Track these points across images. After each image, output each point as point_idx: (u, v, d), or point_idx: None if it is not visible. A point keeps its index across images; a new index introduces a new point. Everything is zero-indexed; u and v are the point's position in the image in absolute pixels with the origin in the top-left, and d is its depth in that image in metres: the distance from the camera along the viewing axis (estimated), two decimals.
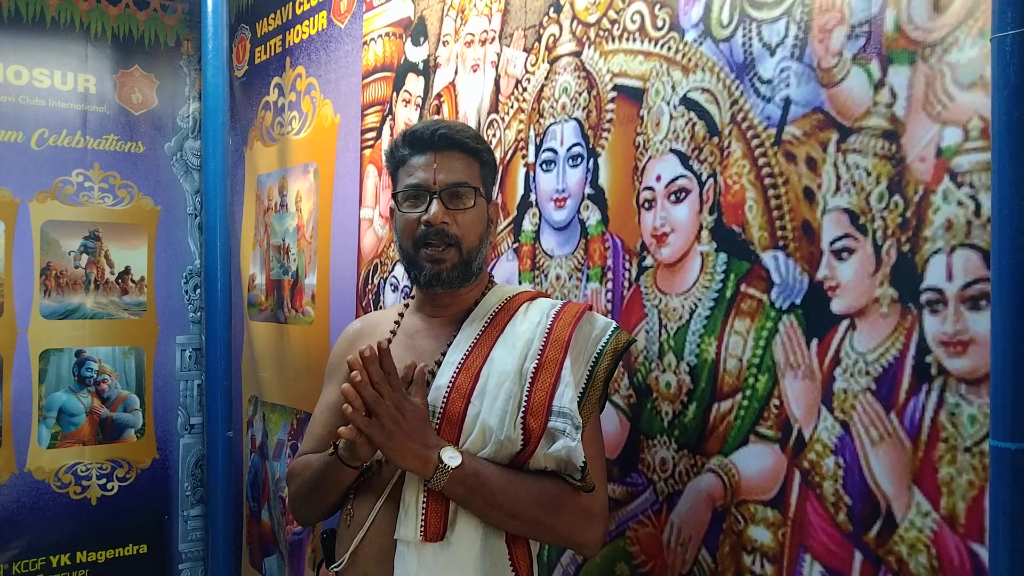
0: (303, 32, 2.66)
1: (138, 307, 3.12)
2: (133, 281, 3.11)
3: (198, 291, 3.21)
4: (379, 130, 2.26)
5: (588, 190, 1.58)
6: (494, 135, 1.82)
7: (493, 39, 1.84)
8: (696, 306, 1.37)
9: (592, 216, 1.57)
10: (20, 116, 2.90)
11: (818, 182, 1.18)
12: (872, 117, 1.12)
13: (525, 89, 1.74)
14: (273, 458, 2.83)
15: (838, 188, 1.16)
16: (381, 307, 2.22)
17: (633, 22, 1.49)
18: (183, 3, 3.18)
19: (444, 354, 1.33)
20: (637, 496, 1.48)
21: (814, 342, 1.19)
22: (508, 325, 1.33)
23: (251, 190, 3.01)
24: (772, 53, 1.25)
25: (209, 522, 3.01)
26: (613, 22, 1.53)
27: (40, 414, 2.95)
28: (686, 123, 1.39)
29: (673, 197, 1.41)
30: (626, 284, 1.50)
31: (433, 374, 1.31)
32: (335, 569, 1.31)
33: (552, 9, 1.67)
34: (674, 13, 1.41)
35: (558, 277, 1.65)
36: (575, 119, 1.61)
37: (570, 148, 1.62)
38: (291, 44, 2.73)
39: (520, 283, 1.74)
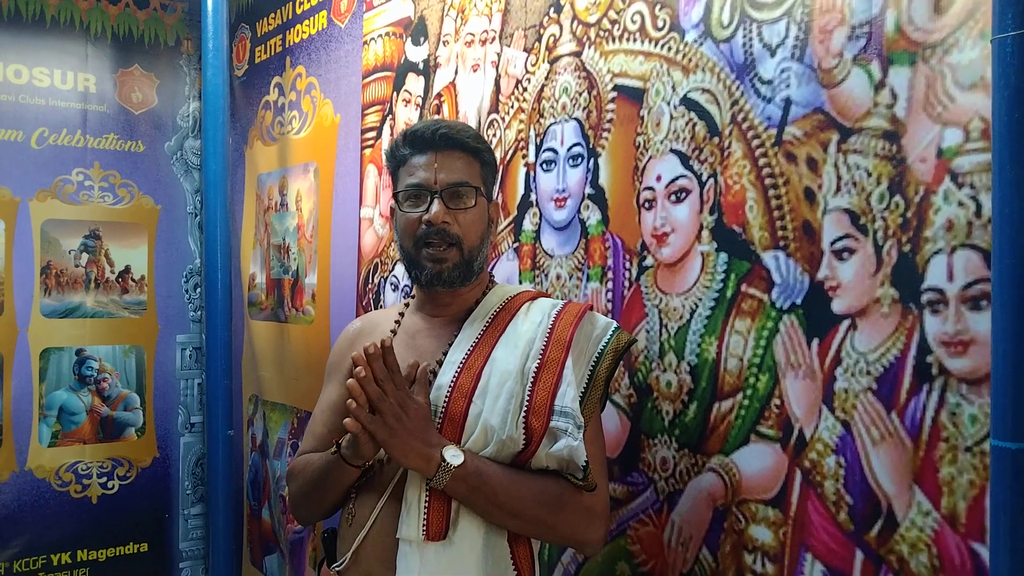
0: (303, 32, 2.66)
1: (138, 306, 3.12)
2: (133, 280, 3.11)
3: (198, 290, 3.21)
4: (379, 130, 2.26)
5: (588, 190, 1.58)
6: (494, 135, 1.82)
7: (493, 39, 1.84)
8: (697, 306, 1.37)
9: (592, 216, 1.57)
10: (20, 115, 2.90)
11: (819, 182, 1.19)
12: (873, 118, 1.12)
13: (525, 89, 1.74)
14: (274, 457, 2.83)
15: (839, 188, 1.16)
16: (381, 306, 2.22)
17: (633, 22, 1.49)
18: (183, 2, 3.18)
19: (445, 353, 1.33)
20: (638, 495, 1.48)
21: (815, 342, 1.19)
22: (510, 325, 1.34)
23: (251, 189, 3.01)
24: (772, 54, 1.25)
25: (210, 521, 3.01)
26: (613, 22, 1.53)
27: (40, 413, 2.95)
28: (686, 123, 1.39)
29: (673, 197, 1.41)
30: (626, 284, 1.50)
31: (435, 373, 1.32)
32: (337, 568, 1.31)
33: (552, 9, 1.68)
34: (674, 13, 1.41)
35: (558, 277, 1.65)
36: (575, 119, 1.61)
37: (570, 148, 1.63)
38: (291, 44, 2.73)
39: (520, 283, 1.74)
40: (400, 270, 2.16)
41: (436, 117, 2.01)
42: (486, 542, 1.24)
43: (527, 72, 1.74)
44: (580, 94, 1.60)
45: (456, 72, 1.96)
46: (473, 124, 1.86)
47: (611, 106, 1.53)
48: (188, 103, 3.21)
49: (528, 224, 1.73)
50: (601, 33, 1.56)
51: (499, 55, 1.83)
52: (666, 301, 1.42)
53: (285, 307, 2.76)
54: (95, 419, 3.05)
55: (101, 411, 3.06)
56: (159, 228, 3.16)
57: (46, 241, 2.96)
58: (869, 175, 1.12)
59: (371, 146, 2.30)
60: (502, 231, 1.79)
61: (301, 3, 2.68)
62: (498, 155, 1.78)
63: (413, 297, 1.48)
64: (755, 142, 1.28)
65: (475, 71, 1.90)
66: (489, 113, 1.85)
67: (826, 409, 1.17)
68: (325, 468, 1.32)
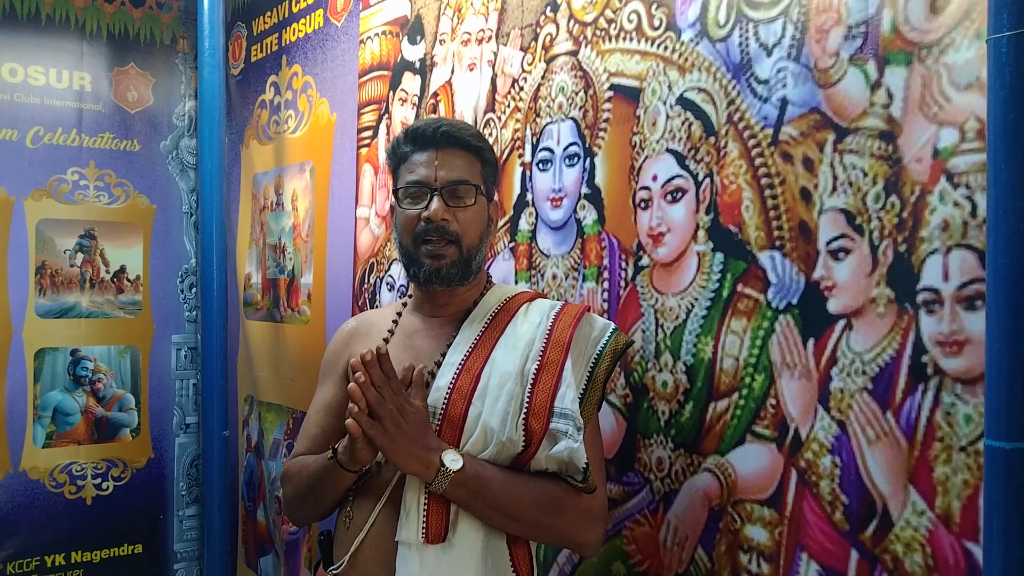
0: (299, 30, 2.66)
1: (133, 306, 3.12)
2: (128, 280, 3.10)
3: (194, 290, 3.20)
4: (375, 129, 2.25)
5: (584, 189, 1.58)
6: (490, 134, 1.82)
7: (490, 38, 1.84)
8: (693, 306, 1.37)
9: (588, 215, 1.57)
10: (15, 114, 2.89)
11: (815, 182, 1.19)
12: (869, 118, 1.12)
13: (522, 88, 1.74)
14: (269, 457, 2.82)
15: (835, 188, 1.16)
16: (377, 306, 2.22)
17: (630, 22, 1.49)
18: (179, 1, 3.17)
19: (444, 355, 1.33)
20: (634, 495, 1.48)
21: (810, 342, 1.19)
22: (508, 326, 1.33)
23: (247, 189, 3.00)
24: (769, 53, 1.25)
25: (204, 522, 3.01)
26: (610, 21, 1.53)
27: (35, 413, 2.94)
28: (683, 123, 1.39)
29: (669, 197, 1.41)
30: (622, 284, 1.50)
31: (433, 375, 1.31)
32: (334, 571, 1.30)
33: (549, 8, 1.67)
34: (671, 13, 1.41)
35: (554, 276, 1.65)
36: (571, 118, 1.61)
37: (566, 147, 1.63)
38: (287, 42, 2.72)
39: (516, 282, 1.74)
40: (396, 270, 2.16)
41: (436, 116, 2.01)
42: (485, 544, 1.24)
43: (523, 71, 1.74)
44: (576, 93, 1.60)
45: (452, 71, 1.96)
46: (469, 123, 1.86)
47: (607, 105, 1.53)
48: (184, 102, 3.20)
49: (524, 224, 1.73)
50: (597, 32, 1.56)
51: (495, 54, 1.82)
52: (662, 301, 1.42)
53: (281, 307, 2.75)
54: (90, 420, 3.04)
55: (96, 412, 3.05)
56: (154, 228, 3.15)
57: (41, 241, 2.95)
58: (865, 175, 1.12)
59: (367, 145, 2.29)
60: (498, 230, 1.79)
61: (297, 2, 2.67)
62: None
63: (411, 297, 1.47)
64: (751, 142, 1.28)
65: (471, 70, 1.90)
66: (485, 112, 1.84)
67: (822, 409, 1.17)
68: (321, 472, 1.31)
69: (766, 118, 1.26)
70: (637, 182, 1.47)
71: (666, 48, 1.42)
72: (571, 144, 1.61)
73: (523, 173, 1.73)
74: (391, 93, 2.18)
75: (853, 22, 1.14)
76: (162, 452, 3.17)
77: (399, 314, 1.46)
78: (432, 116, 1.99)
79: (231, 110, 3.02)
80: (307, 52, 2.61)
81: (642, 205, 1.46)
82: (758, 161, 1.27)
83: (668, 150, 1.41)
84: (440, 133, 1.34)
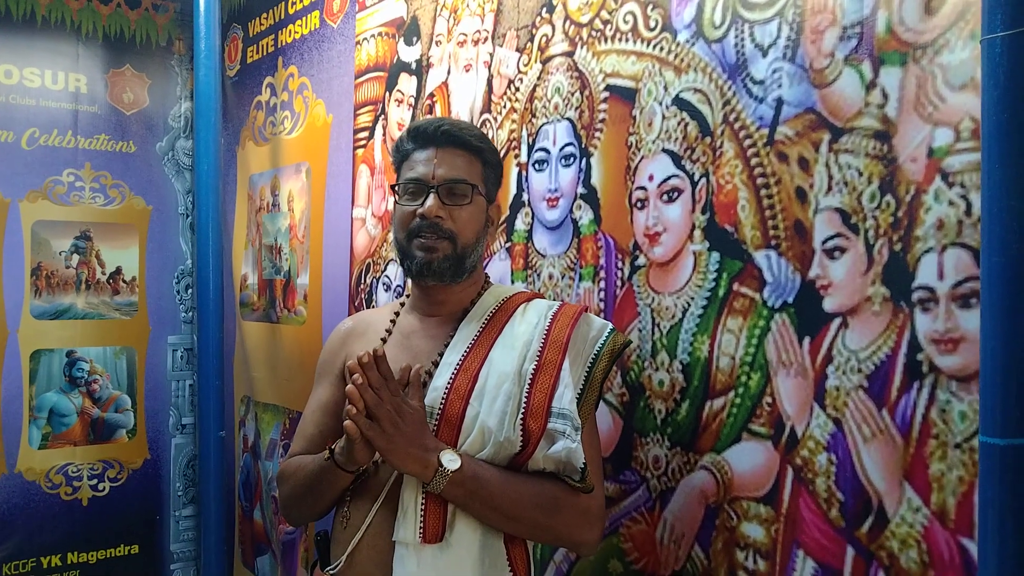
0: (295, 32, 2.66)
1: (129, 307, 3.11)
2: (124, 281, 3.10)
3: (190, 291, 3.20)
4: (372, 130, 2.26)
5: (581, 189, 1.59)
6: (486, 135, 1.82)
7: (486, 39, 1.85)
8: (689, 305, 1.38)
9: (585, 215, 1.58)
10: (10, 116, 2.88)
11: (810, 182, 1.19)
12: (864, 118, 1.13)
13: (518, 89, 1.75)
14: (265, 458, 2.82)
15: (830, 188, 1.17)
16: (374, 306, 2.22)
17: (626, 22, 1.50)
18: (175, 2, 3.17)
19: (441, 354, 1.33)
20: (630, 493, 1.49)
21: (806, 340, 1.20)
22: (506, 326, 1.34)
23: (243, 190, 3.00)
24: (764, 54, 1.26)
25: (201, 522, 3.00)
26: (606, 22, 1.54)
27: (31, 415, 2.93)
28: (678, 123, 1.39)
29: (666, 197, 1.42)
30: (619, 283, 1.51)
31: (430, 375, 1.31)
32: (331, 571, 1.30)
33: (545, 9, 1.68)
34: (666, 14, 1.42)
35: (551, 276, 1.65)
36: (568, 119, 1.62)
37: (563, 148, 1.63)
38: (283, 44, 2.73)
39: (512, 282, 1.74)
40: (392, 270, 2.17)
41: (436, 115, 2.01)
42: (483, 544, 1.24)
43: (519, 72, 1.75)
44: (572, 94, 1.61)
45: (449, 72, 1.97)
46: (473, 124, 1.86)
47: (603, 106, 1.54)
48: (180, 103, 3.20)
49: (520, 224, 1.73)
50: (593, 33, 1.56)
51: (491, 55, 1.83)
52: (658, 300, 1.43)
53: (277, 308, 2.75)
54: (86, 421, 3.03)
55: (92, 413, 3.04)
56: (150, 229, 3.14)
57: (36, 242, 2.94)
58: (860, 174, 1.13)
59: (363, 146, 2.30)
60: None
61: (293, 3, 2.67)
62: None
63: (408, 297, 1.48)
64: (747, 142, 1.28)
65: (468, 71, 1.90)
66: (481, 113, 1.85)
67: (817, 407, 1.18)
68: (318, 473, 1.31)
69: (762, 118, 1.26)
70: (633, 182, 1.48)
71: (662, 49, 1.43)
72: (567, 144, 1.62)
73: (519, 173, 1.73)
74: (387, 94, 2.19)
75: (848, 23, 1.15)
76: (158, 453, 3.16)
77: (396, 314, 1.46)
78: (433, 116, 1.99)
79: (227, 111, 3.02)
80: (303, 53, 2.61)
81: (638, 205, 1.47)
82: (754, 161, 1.27)
83: (664, 150, 1.42)
84: (441, 132, 1.35)
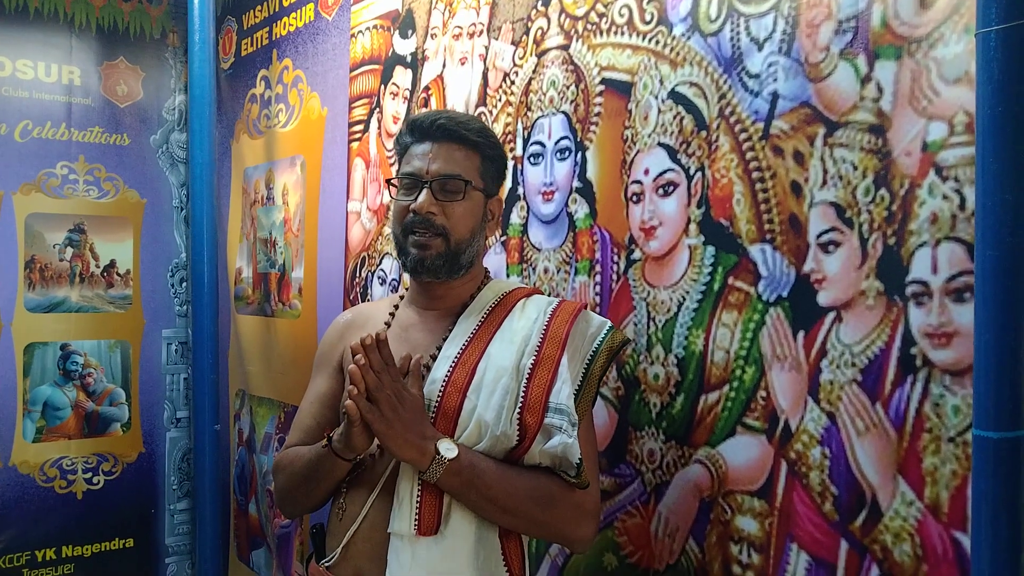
0: (290, 24, 2.65)
1: (124, 300, 3.11)
2: (118, 274, 3.09)
3: (184, 284, 3.20)
4: (367, 123, 2.25)
5: (576, 183, 1.58)
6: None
7: (481, 32, 1.84)
8: (684, 299, 1.38)
9: (580, 209, 1.58)
10: (3, 108, 2.87)
11: (805, 176, 1.20)
12: (859, 111, 1.13)
13: (513, 82, 1.75)
14: (260, 451, 2.82)
15: (825, 182, 1.17)
16: (369, 300, 2.22)
17: (621, 16, 1.49)
18: None
19: (439, 348, 1.33)
20: (625, 487, 1.49)
21: (800, 334, 1.20)
22: (505, 321, 1.33)
23: (237, 183, 3.00)
24: (760, 48, 1.26)
25: (196, 516, 3.00)
26: (601, 16, 1.53)
27: (25, 408, 2.93)
28: (674, 117, 1.39)
29: (661, 191, 1.42)
30: (614, 277, 1.51)
31: (428, 368, 1.31)
32: (326, 564, 1.30)
33: (540, 2, 1.68)
34: (662, 7, 1.42)
35: (546, 270, 1.65)
36: (563, 112, 1.62)
37: (558, 141, 1.63)
38: (278, 36, 2.72)
39: (508, 276, 1.74)
40: (388, 264, 2.16)
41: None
42: (478, 538, 1.24)
43: (515, 65, 1.74)
44: (568, 87, 1.61)
45: (444, 65, 1.96)
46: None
47: (599, 100, 1.54)
48: (174, 96, 3.19)
49: (516, 217, 1.73)
50: (589, 26, 1.56)
51: (487, 48, 1.83)
52: (654, 294, 1.43)
53: (272, 301, 2.75)
54: (80, 414, 3.03)
55: (86, 406, 3.04)
56: (144, 222, 3.13)
57: (30, 235, 2.93)
58: (855, 168, 1.13)
59: (358, 139, 2.29)
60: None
61: None
62: None
63: (408, 290, 1.47)
64: (742, 136, 1.28)
65: (463, 64, 1.90)
66: (477, 106, 1.85)
67: (811, 401, 1.18)
68: (315, 461, 1.31)
69: (757, 112, 1.26)
70: (629, 176, 1.48)
71: (657, 42, 1.42)
72: (562, 138, 1.62)
73: (515, 167, 1.73)
74: (382, 87, 2.18)
75: (843, 16, 1.15)
76: (153, 446, 3.16)
77: (396, 307, 1.46)
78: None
79: (221, 104, 3.01)
80: (298, 46, 2.60)
81: (634, 199, 1.47)
82: (749, 155, 1.27)
83: (660, 144, 1.42)
84: (436, 126, 1.34)
